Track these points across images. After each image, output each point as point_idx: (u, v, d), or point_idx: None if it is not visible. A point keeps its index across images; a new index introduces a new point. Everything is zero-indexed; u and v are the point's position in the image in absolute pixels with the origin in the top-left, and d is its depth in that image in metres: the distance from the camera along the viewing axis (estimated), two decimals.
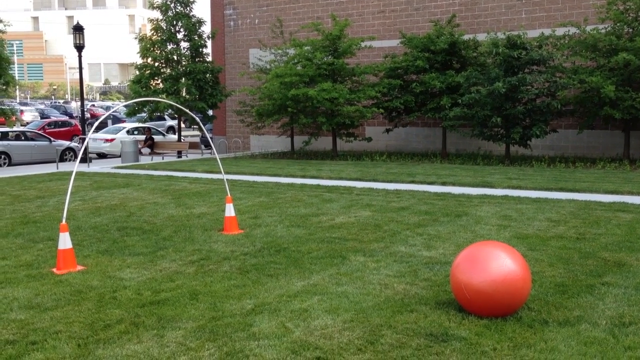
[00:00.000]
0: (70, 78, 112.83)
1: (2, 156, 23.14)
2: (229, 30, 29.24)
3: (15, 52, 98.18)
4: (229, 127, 29.67)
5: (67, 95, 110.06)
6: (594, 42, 18.17)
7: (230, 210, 9.29)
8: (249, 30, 28.63)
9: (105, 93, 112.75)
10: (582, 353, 4.57)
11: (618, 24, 18.24)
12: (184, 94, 25.08)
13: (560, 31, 19.80)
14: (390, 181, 15.10)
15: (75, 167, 7.97)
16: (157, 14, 25.41)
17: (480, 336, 4.91)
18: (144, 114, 26.26)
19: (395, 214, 10.42)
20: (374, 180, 15.39)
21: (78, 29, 25.76)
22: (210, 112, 27.45)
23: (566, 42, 19.06)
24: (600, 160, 18.98)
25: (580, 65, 18.85)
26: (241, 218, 10.19)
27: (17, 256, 7.96)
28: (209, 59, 26.61)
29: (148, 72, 24.90)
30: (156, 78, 25.35)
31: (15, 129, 24.93)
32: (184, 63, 25.08)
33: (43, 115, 48.54)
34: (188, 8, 25.23)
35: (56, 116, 48.18)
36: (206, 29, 26.11)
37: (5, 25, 22.78)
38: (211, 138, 29.16)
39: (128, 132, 28.82)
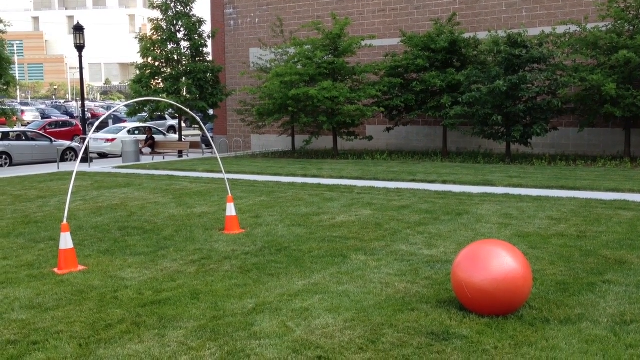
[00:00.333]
0: (71, 78, 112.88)
1: (3, 156, 23.16)
2: (229, 30, 29.24)
3: (15, 52, 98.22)
4: (230, 127, 29.67)
5: (67, 95, 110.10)
6: (594, 40, 18.15)
7: (231, 210, 9.29)
8: (249, 29, 28.62)
9: (106, 93, 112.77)
10: (583, 351, 4.56)
11: (619, 22, 18.21)
12: (184, 94, 25.08)
13: (560, 29, 19.78)
14: (391, 180, 15.10)
15: (76, 167, 7.98)
16: (157, 14, 25.41)
17: (481, 335, 4.90)
18: (144, 114, 26.27)
19: (396, 213, 10.41)
20: (375, 179, 15.39)
21: (78, 29, 25.75)
22: (211, 112, 27.45)
23: (567, 40, 19.03)
24: (601, 158, 18.97)
25: (581, 64, 18.83)
26: (242, 217, 10.20)
27: (18, 256, 7.97)
28: (210, 58, 26.61)
29: (148, 71, 24.91)
30: (157, 78, 25.35)
31: (16, 129, 24.93)
32: (184, 62, 25.08)
33: (44, 116, 48.56)
34: (188, 7, 25.23)
35: (57, 116, 48.21)
36: (206, 28, 26.14)
37: (5, 26, 22.78)
38: (212, 137, 29.17)
39: (129, 131, 28.82)
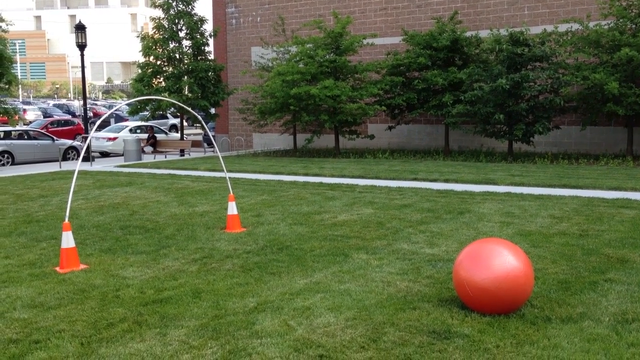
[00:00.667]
0: (73, 77, 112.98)
1: (5, 155, 23.18)
2: (231, 29, 29.23)
3: (17, 51, 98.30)
4: (232, 126, 29.67)
5: (69, 94, 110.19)
6: (596, 38, 18.11)
7: (232, 209, 9.30)
8: (250, 28, 28.61)
9: (107, 92, 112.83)
10: (585, 350, 4.56)
11: (621, 20, 18.18)
12: (186, 92, 25.09)
13: (562, 27, 19.75)
14: (393, 179, 15.09)
15: (78, 165, 7.98)
16: (159, 13, 25.41)
17: (483, 333, 4.90)
18: (146, 113, 26.27)
19: (398, 212, 10.41)
20: (377, 177, 15.38)
21: (80, 28, 25.76)
22: (213, 111, 27.45)
23: (569, 38, 19.00)
24: (603, 157, 18.94)
25: (583, 62, 18.80)
26: (244, 216, 10.20)
27: (20, 255, 7.98)
28: (211, 57, 26.61)
29: (150, 70, 24.92)
30: (158, 76, 25.35)
31: (18, 128, 24.95)
32: (186, 61, 25.09)
33: (46, 114, 48.62)
34: (190, 6, 25.22)
35: (59, 115, 48.25)
36: (208, 27, 26.13)
37: (7, 25, 22.80)
38: (213, 136, 29.20)
39: (131, 130, 28.84)
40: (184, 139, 27.08)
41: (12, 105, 23.44)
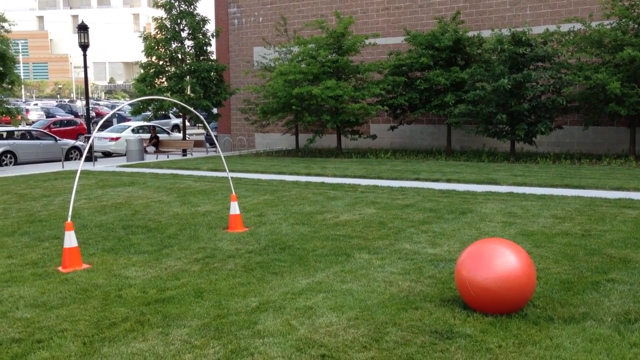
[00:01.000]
0: (76, 77, 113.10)
1: (8, 155, 23.22)
2: (233, 29, 29.25)
3: (20, 51, 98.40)
4: (234, 125, 29.69)
5: (72, 94, 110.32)
6: (599, 38, 18.09)
7: (235, 209, 9.30)
8: (253, 28, 28.62)
9: (110, 92, 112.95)
10: (587, 350, 4.55)
11: (623, 20, 18.15)
12: (188, 92, 25.11)
13: (565, 27, 19.72)
14: (395, 178, 15.08)
15: (80, 165, 7.99)
16: (161, 13, 25.42)
17: (485, 333, 4.90)
18: (148, 113, 26.29)
19: (400, 212, 10.40)
20: (379, 177, 15.38)
21: (83, 28, 25.81)
22: (215, 111, 27.46)
23: (571, 38, 18.97)
24: (605, 157, 18.91)
25: (586, 62, 18.77)
26: (246, 216, 10.20)
27: (23, 255, 7.99)
28: (213, 57, 26.61)
29: (152, 70, 24.93)
30: (161, 76, 25.37)
31: (20, 128, 25.00)
32: (188, 61, 25.10)
33: (48, 114, 48.68)
34: (192, 6, 25.23)
35: (61, 115, 48.32)
36: (210, 27, 26.13)
37: (10, 25, 22.84)
38: (216, 136, 29.21)
39: (133, 130, 28.87)
40: (187, 139, 27.09)
41: (15, 105, 23.47)
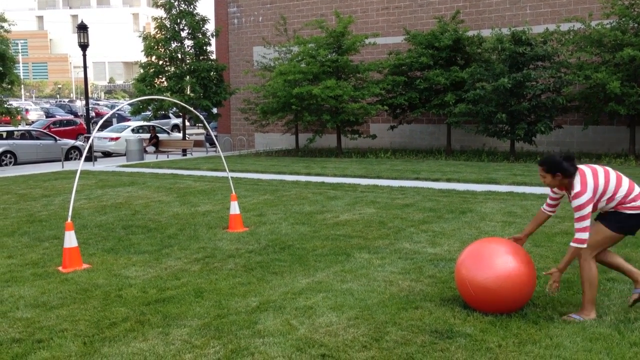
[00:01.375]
0: (75, 77, 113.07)
1: (8, 155, 23.22)
2: (233, 28, 29.24)
3: (20, 51, 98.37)
4: (234, 125, 29.69)
5: (72, 94, 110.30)
6: (599, 38, 18.09)
7: (235, 208, 9.30)
8: (252, 28, 28.62)
9: (110, 92, 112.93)
10: (587, 349, 4.56)
11: (623, 19, 18.15)
12: (188, 92, 25.11)
13: (565, 27, 19.72)
14: (395, 178, 15.09)
15: (80, 165, 8.00)
16: (161, 12, 25.43)
17: (485, 333, 4.90)
18: (148, 113, 26.30)
19: (400, 211, 10.41)
20: (379, 177, 15.38)
21: (82, 28, 25.81)
22: (215, 110, 27.47)
23: (571, 37, 18.98)
24: (605, 156, 18.92)
25: (585, 61, 18.78)
26: (246, 216, 10.20)
27: (23, 255, 7.99)
28: (213, 57, 26.62)
29: (152, 70, 24.93)
30: (160, 76, 25.38)
31: (20, 128, 24.99)
32: (188, 61, 25.10)
33: (48, 114, 48.67)
34: (192, 6, 25.23)
35: (61, 115, 48.31)
36: (210, 27, 26.14)
37: (10, 25, 22.84)
38: (216, 136, 29.20)
39: (133, 130, 28.87)
40: (186, 138, 27.10)
41: (19, 107, 23.48)
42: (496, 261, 5.19)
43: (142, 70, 25.17)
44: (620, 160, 17.69)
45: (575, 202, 4.99)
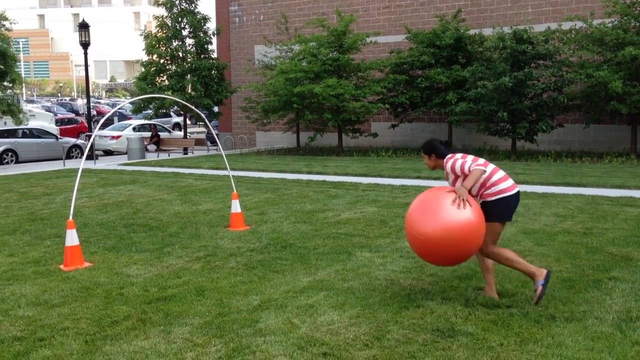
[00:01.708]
0: (77, 75, 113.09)
1: (9, 153, 23.24)
2: (234, 27, 29.23)
3: (21, 49, 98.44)
4: (235, 124, 29.68)
5: (73, 93, 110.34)
6: (600, 36, 18.07)
7: (236, 207, 9.30)
8: (254, 26, 28.60)
9: (111, 90, 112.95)
10: (589, 348, 4.55)
11: (625, 18, 18.13)
12: (189, 91, 25.11)
13: (566, 25, 19.70)
14: (396, 177, 15.08)
15: (82, 164, 8.00)
16: (162, 11, 25.43)
17: (486, 331, 4.90)
18: (149, 111, 26.31)
19: (402, 210, 10.40)
20: (380, 176, 15.37)
21: (84, 27, 25.81)
22: (216, 109, 27.47)
23: (572, 36, 18.95)
24: (607, 155, 18.90)
25: (587, 60, 18.75)
26: (247, 214, 10.20)
27: (24, 253, 8.00)
28: (214, 55, 26.63)
29: (153, 69, 24.94)
30: (162, 75, 25.39)
31: (21, 126, 25.02)
32: (189, 60, 25.11)
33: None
34: (193, 5, 25.24)
35: (62, 114, 48.31)
36: (211, 25, 26.13)
37: (11, 23, 22.84)
38: (217, 135, 29.20)
39: (134, 129, 28.88)
40: (187, 137, 27.10)
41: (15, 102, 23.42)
42: (443, 213, 5.18)
43: (143, 69, 25.18)
44: (621, 159, 17.67)
45: (456, 168, 5.38)
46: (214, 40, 26.52)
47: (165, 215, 10.48)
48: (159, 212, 10.80)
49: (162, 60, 25.16)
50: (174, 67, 25.13)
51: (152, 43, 24.69)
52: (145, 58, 25.49)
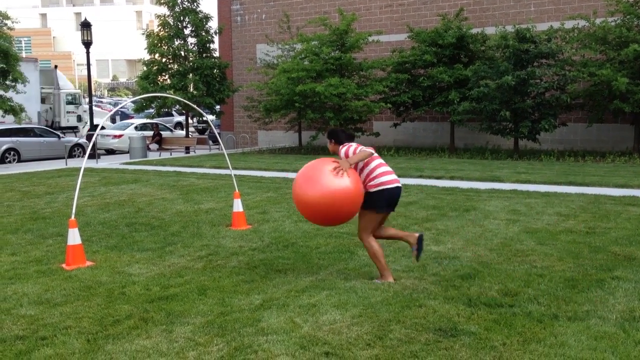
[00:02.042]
0: (79, 74, 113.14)
1: (12, 152, 23.25)
2: (236, 26, 29.22)
3: (23, 48, 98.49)
4: (237, 123, 29.68)
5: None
6: (603, 35, 18.04)
7: (238, 206, 9.29)
8: (256, 25, 28.59)
9: (113, 89, 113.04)
10: (592, 348, 4.54)
11: (628, 16, 18.09)
12: (191, 90, 25.10)
13: (569, 24, 19.66)
14: (398, 176, 14.96)
15: (84, 163, 8.00)
16: (164, 10, 25.43)
17: (489, 331, 4.88)
18: (152, 110, 26.31)
19: (404, 209, 10.38)
20: None
21: (86, 26, 25.83)
22: (218, 108, 27.48)
23: (575, 35, 18.92)
24: (609, 154, 18.86)
25: (590, 59, 18.72)
26: (249, 213, 10.20)
27: (26, 252, 8.00)
28: (216, 54, 26.62)
29: (155, 68, 24.93)
30: (164, 74, 25.38)
31: (24, 125, 25.02)
32: (191, 59, 25.10)
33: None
34: (195, 4, 25.22)
35: None
36: (213, 24, 26.13)
37: (13, 22, 22.84)
38: (219, 134, 29.20)
39: (136, 128, 28.88)
40: (189, 136, 27.10)
41: (18, 103, 23.41)
42: (323, 180, 5.84)
43: (145, 68, 25.18)
44: (624, 159, 17.64)
45: (349, 152, 6.03)
46: (216, 39, 26.52)
47: (167, 214, 10.47)
48: (161, 211, 10.79)
49: (164, 59, 25.16)
50: (176, 66, 25.13)
51: (154, 42, 24.69)
52: (147, 57, 25.49)
